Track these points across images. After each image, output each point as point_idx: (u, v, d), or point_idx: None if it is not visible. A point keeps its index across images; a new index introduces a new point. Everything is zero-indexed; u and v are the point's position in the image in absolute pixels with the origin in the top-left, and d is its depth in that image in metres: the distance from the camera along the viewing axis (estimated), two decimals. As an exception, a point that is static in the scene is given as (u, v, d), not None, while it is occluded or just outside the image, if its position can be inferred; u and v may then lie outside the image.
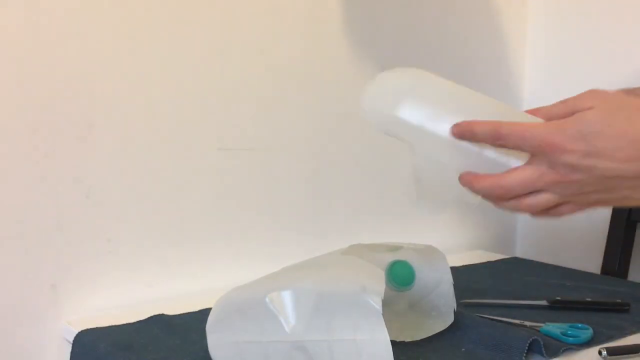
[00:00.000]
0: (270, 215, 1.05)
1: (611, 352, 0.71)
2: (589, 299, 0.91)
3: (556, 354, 0.72)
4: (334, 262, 0.72)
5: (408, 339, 0.76)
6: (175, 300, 0.94)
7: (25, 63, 0.81)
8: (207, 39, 0.96)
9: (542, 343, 0.71)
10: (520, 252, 1.41)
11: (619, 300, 0.90)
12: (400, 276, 0.81)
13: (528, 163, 0.57)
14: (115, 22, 0.87)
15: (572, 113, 0.55)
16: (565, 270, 1.14)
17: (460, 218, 1.32)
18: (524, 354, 0.70)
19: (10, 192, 0.82)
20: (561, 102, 0.58)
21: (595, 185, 0.54)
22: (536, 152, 0.56)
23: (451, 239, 1.30)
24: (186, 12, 0.93)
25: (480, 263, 1.18)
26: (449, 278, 0.80)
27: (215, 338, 0.67)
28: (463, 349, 0.74)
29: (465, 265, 1.15)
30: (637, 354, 0.72)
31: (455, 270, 0.86)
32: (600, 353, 0.72)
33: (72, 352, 0.79)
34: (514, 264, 1.20)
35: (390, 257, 0.82)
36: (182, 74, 0.94)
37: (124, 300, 0.91)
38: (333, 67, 1.09)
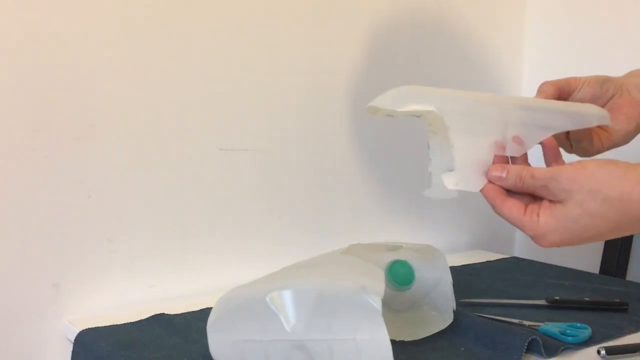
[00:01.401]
0: (270, 215, 1.05)
1: (610, 351, 0.72)
2: (587, 299, 0.91)
3: (555, 354, 0.72)
4: (334, 262, 0.72)
5: (408, 339, 0.76)
6: (176, 299, 0.94)
7: (25, 63, 0.82)
8: (207, 39, 0.96)
9: (541, 342, 0.71)
10: (519, 251, 1.41)
11: (617, 300, 0.90)
12: (400, 276, 0.81)
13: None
14: (116, 23, 0.88)
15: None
16: (564, 270, 1.14)
17: (460, 218, 1.32)
18: (523, 353, 0.70)
19: (11, 192, 0.82)
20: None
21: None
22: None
23: (451, 239, 1.31)
24: (187, 12, 0.93)
25: (480, 263, 1.18)
26: (448, 277, 0.81)
27: (216, 337, 0.67)
28: (462, 348, 0.74)
29: (465, 265, 1.15)
30: (635, 354, 0.73)
31: (454, 269, 0.86)
32: (599, 352, 0.72)
33: (73, 351, 0.79)
34: (513, 263, 1.20)
35: (390, 257, 0.83)
36: (183, 74, 0.94)
37: (125, 299, 0.91)
38: (333, 67, 1.10)
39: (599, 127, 0.75)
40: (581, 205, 0.59)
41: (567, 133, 0.77)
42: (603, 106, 0.75)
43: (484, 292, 0.96)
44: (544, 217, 0.61)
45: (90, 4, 0.85)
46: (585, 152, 0.78)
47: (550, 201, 0.61)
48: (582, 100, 0.75)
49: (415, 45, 1.21)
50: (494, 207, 0.65)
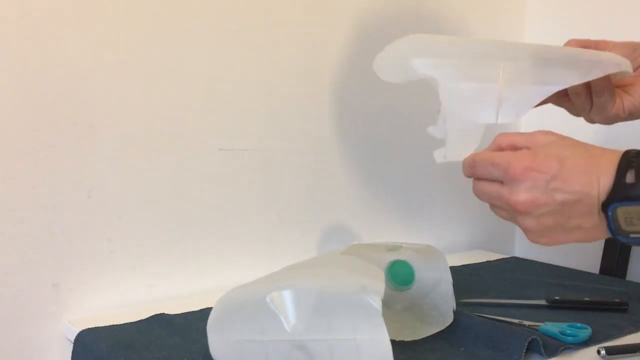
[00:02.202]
0: (270, 215, 1.05)
1: (610, 351, 0.72)
2: (587, 299, 0.91)
3: (555, 353, 0.72)
4: (334, 262, 0.72)
5: (408, 339, 0.76)
6: (176, 299, 0.94)
7: (25, 63, 0.82)
8: (207, 40, 0.96)
9: (541, 342, 0.71)
10: (519, 251, 1.41)
11: (617, 300, 0.90)
12: (400, 276, 0.81)
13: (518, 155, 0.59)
14: (116, 23, 0.88)
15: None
16: (564, 270, 1.15)
17: (460, 218, 1.32)
18: (523, 353, 0.70)
19: (11, 192, 0.82)
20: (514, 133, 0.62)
21: (555, 212, 0.57)
22: (504, 179, 0.59)
23: (451, 239, 1.31)
24: (187, 12, 0.93)
25: (480, 263, 1.19)
26: (448, 278, 0.81)
27: (216, 337, 0.67)
28: (462, 349, 0.74)
29: (465, 265, 1.15)
30: (635, 353, 0.73)
31: (454, 269, 0.86)
32: (598, 352, 0.72)
33: (73, 352, 0.79)
34: (513, 263, 1.20)
35: (390, 257, 0.83)
36: (183, 74, 0.94)
37: (125, 299, 0.91)
38: (334, 67, 1.10)
39: (624, 90, 0.73)
40: (560, 143, 0.58)
41: (589, 85, 0.74)
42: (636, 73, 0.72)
43: (484, 292, 0.96)
44: (520, 151, 0.59)
45: (90, 4, 0.85)
46: (603, 109, 0.75)
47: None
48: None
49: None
50: (470, 159, 0.63)
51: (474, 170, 0.62)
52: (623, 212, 0.53)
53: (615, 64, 0.68)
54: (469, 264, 1.16)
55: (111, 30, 0.87)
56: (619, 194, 0.53)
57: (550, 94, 0.68)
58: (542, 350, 0.71)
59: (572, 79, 0.68)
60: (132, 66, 0.89)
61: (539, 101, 0.68)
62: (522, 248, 1.41)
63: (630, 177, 0.53)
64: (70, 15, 0.84)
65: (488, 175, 0.60)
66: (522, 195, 0.57)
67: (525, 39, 1.39)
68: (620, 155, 0.55)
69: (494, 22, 1.34)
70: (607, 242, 1.20)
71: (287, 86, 1.05)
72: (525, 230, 0.59)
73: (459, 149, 0.66)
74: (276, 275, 0.70)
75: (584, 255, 1.27)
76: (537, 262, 1.21)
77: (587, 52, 0.70)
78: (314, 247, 1.10)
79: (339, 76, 1.10)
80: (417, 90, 1.20)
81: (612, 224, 0.54)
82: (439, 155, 0.67)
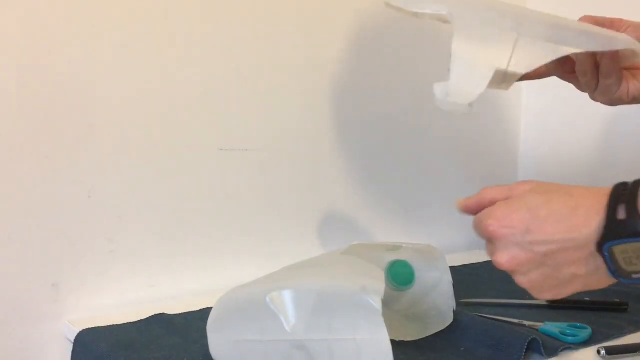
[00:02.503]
0: (270, 215, 1.05)
1: (610, 351, 0.72)
2: (587, 299, 0.91)
3: (555, 353, 0.72)
4: (334, 262, 0.72)
5: (408, 339, 0.76)
6: (176, 299, 0.94)
7: (25, 64, 0.82)
8: (207, 39, 0.96)
9: (541, 342, 0.71)
10: (519, 251, 1.41)
11: (617, 300, 0.90)
12: (400, 276, 0.81)
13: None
14: (115, 23, 0.88)
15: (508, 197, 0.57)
16: (564, 270, 1.14)
17: (460, 218, 1.32)
18: (523, 353, 0.70)
19: (11, 193, 0.82)
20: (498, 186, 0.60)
21: (540, 264, 0.53)
22: (486, 238, 0.57)
23: (451, 239, 1.31)
24: (186, 13, 0.93)
25: (480, 262, 1.18)
26: (448, 277, 0.81)
27: (216, 337, 0.67)
28: (462, 348, 0.74)
29: (465, 265, 1.15)
30: (635, 354, 0.73)
31: (454, 269, 0.86)
32: (598, 352, 0.72)
33: (73, 351, 0.79)
34: (513, 263, 1.20)
35: (390, 257, 0.83)
36: (183, 74, 0.94)
37: (125, 299, 0.91)
38: (334, 67, 1.10)
39: (632, 73, 0.72)
40: (540, 191, 0.55)
41: (597, 66, 0.73)
42: None
43: (484, 292, 0.96)
44: (489, 207, 0.57)
45: (90, 5, 0.85)
46: (608, 92, 0.73)
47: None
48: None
49: (415, 45, 1.21)
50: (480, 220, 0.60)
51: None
52: (620, 251, 0.49)
53: (625, 42, 0.67)
54: (469, 264, 1.16)
55: (111, 31, 0.87)
56: (612, 232, 0.49)
57: (563, 54, 0.65)
58: (542, 350, 0.71)
59: (586, 45, 0.66)
60: (132, 66, 0.89)
61: (551, 59, 0.65)
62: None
63: (622, 213, 0.48)
64: (71, 15, 0.84)
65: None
66: (501, 255, 0.54)
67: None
68: (609, 191, 0.50)
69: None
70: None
71: (287, 86, 1.05)
72: (524, 287, 0.56)
73: (463, 89, 0.63)
74: (276, 275, 0.70)
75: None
76: (537, 262, 1.21)
77: (604, 30, 0.69)
78: (314, 247, 1.10)
79: (339, 76, 1.11)
80: (417, 91, 1.20)
81: (611, 266, 0.51)
82: (440, 91, 0.63)
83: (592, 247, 0.50)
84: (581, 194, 0.52)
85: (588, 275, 0.53)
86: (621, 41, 0.67)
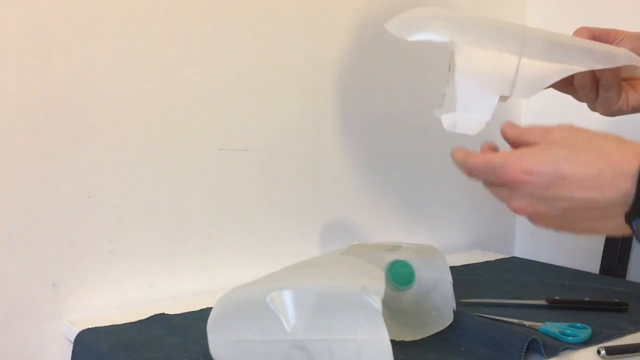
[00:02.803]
0: (270, 215, 1.05)
1: (610, 351, 0.72)
2: (587, 299, 0.91)
3: (555, 353, 0.72)
4: (334, 262, 0.72)
5: (408, 339, 0.76)
6: (176, 299, 0.94)
7: (25, 64, 0.82)
8: (207, 39, 0.96)
9: (541, 342, 0.71)
10: (519, 251, 1.41)
11: (617, 300, 0.90)
12: (400, 276, 0.81)
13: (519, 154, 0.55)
14: (115, 23, 0.88)
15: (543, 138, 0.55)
16: (564, 270, 1.15)
17: (460, 218, 1.32)
18: (523, 353, 0.70)
19: (11, 193, 0.82)
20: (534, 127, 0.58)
21: (558, 217, 0.54)
22: (502, 183, 0.55)
23: (450, 239, 1.31)
24: (186, 13, 0.93)
25: (480, 262, 1.19)
26: (448, 277, 0.81)
27: (216, 337, 0.67)
28: (462, 348, 0.74)
29: (465, 265, 1.15)
30: (635, 354, 0.73)
31: (454, 269, 0.86)
32: (598, 352, 0.72)
33: (73, 351, 0.79)
34: (513, 263, 1.20)
35: (390, 257, 0.83)
36: (183, 74, 0.94)
37: (125, 299, 0.91)
38: (334, 67, 1.10)
39: (630, 84, 0.72)
40: (570, 143, 0.53)
41: (597, 79, 0.73)
42: None
43: (484, 292, 0.96)
44: (521, 149, 0.55)
45: (90, 4, 0.85)
46: (608, 103, 0.73)
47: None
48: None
49: (415, 45, 1.21)
50: (465, 161, 0.57)
51: (471, 176, 0.58)
52: None
53: (625, 58, 0.67)
54: (469, 264, 1.16)
55: (111, 30, 0.87)
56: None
57: (567, 74, 0.65)
58: (542, 350, 0.71)
59: (588, 63, 0.66)
60: (132, 66, 0.89)
61: (554, 80, 0.65)
62: (522, 248, 1.41)
63: None
64: (71, 15, 0.84)
65: (487, 179, 0.57)
66: (520, 202, 0.54)
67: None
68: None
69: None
70: (607, 242, 1.20)
71: (287, 86, 1.05)
72: (536, 226, 0.56)
73: (469, 119, 0.63)
74: (276, 275, 0.70)
75: (584, 255, 1.27)
76: (537, 262, 1.21)
77: (604, 46, 0.69)
78: (314, 247, 1.10)
79: (339, 76, 1.11)
80: (417, 90, 1.20)
81: (639, 236, 0.50)
82: (448, 123, 0.64)
83: (616, 210, 0.50)
84: (611, 153, 0.51)
85: (603, 228, 0.53)
86: (622, 57, 0.67)
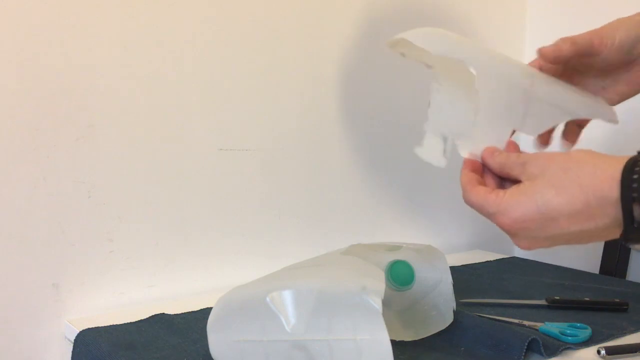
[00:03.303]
0: (270, 215, 1.05)
1: (610, 351, 0.72)
2: (587, 299, 0.91)
3: (555, 353, 0.72)
4: (334, 262, 0.72)
5: (408, 339, 0.76)
6: (176, 299, 0.94)
7: (25, 64, 0.82)
8: (207, 39, 0.96)
9: (541, 342, 0.71)
10: (519, 251, 1.41)
11: (617, 300, 0.90)
12: (400, 276, 0.81)
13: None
14: (115, 23, 0.88)
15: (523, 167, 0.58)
16: (564, 270, 1.15)
17: (460, 218, 1.32)
18: (523, 353, 0.70)
19: (12, 193, 0.82)
20: (516, 155, 0.60)
21: (562, 242, 0.57)
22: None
23: (450, 239, 1.31)
24: (186, 13, 0.93)
25: (480, 263, 1.19)
26: (448, 278, 0.81)
27: (216, 337, 0.67)
28: (462, 348, 0.74)
29: (465, 265, 1.15)
30: (635, 354, 0.73)
31: (454, 269, 0.86)
32: (598, 352, 0.72)
33: (73, 351, 0.79)
34: (513, 263, 1.20)
35: (390, 257, 0.83)
36: (183, 74, 0.94)
37: (125, 299, 0.91)
38: (334, 67, 1.10)
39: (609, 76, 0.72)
40: (550, 180, 0.54)
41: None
42: (628, 66, 0.69)
43: (484, 292, 0.96)
44: (510, 192, 0.57)
45: (90, 4, 0.85)
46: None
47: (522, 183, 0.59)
48: (603, 69, 0.70)
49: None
50: (464, 192, 0.61)
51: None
52: None
53: (604, 114, 0.68)
54: (469, 264, 1.16)
55: (111, 30, 0.87)
56: (633, 237, 0.51)
57: (570, 118, 0.66)
58: (542, 350, 0.71)
59: (583, 112, 0.67)
60: (132, 66, 0.89)
61: (560, 122, 0.66)
62: (522, 248, 1.41)
63: (638, 212, 0.49)
64: (71, 15, 0.84)
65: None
66: (522, 242, 0.57)
67: (525, 38, 1.39)
68: (619, 177, 0.50)
69: (494, 20, 1.34)
70: (607, 242, 1.20)
71: (287, 86, 1.05)
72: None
73: (486, 145, 0.64)
74: (276, 275, 0.70)
75: (584, 255, 1.27)
76: (537, 262, 1.21)
77: (592, 98, 0.69)
78: (314, 247, 1.10)
79: (339, 76, 1.11)
80: (418, 90, 1.20)
81: (632, 248, 0.54)
82: (464, 149, 0.64)
83: (613, 229, 0.52)
84: (590, 182, 0.52)
85: (607, 238, 0.55)
86: (606, 113, 0.68)
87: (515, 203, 0.56)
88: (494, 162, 0.61)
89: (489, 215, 0.58)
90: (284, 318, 0.62)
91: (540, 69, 0.68)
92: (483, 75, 0.64)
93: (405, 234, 1.22)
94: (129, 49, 0.89)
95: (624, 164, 0.51)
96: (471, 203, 0.59)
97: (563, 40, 0.66)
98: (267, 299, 0.63)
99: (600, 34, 0.67)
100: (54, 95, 0.84)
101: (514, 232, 0.57)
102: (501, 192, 0.57)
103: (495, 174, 0.62)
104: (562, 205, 0.53)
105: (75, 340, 0.79)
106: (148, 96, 0.91)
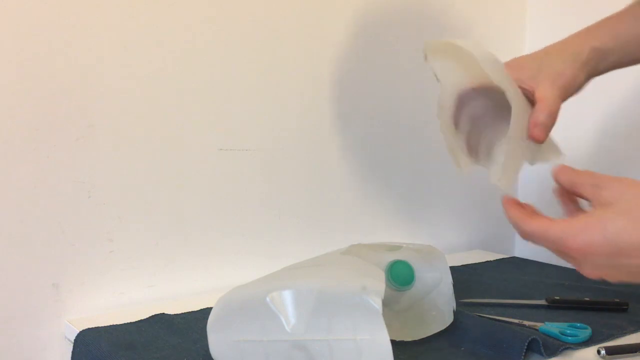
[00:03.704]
0: (270, 215, 1.05)
1: (610, 351, 0.72)
2: (587, 299, 0.91)
3: (555, 353, 0.72)
4: (334, 262, 0.72)
5: (408, 339, 0.76)
6: (176, 299, 0.94)
7: (25, 63, 0.82)
8: (207, 40, 0.96)
9: (541, 342, 0.71)
10: (519, 251, 1.41)
11: (617, 300, 0.90)
12: (400, 276, 0.81)
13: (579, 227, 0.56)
14: (116, 23, 0.88)
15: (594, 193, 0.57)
16: (564, 270, 1.14)
17: (460, 218, 1.32)
18: (523, 353, 0.70)
19: (12, 193, 0.82)
20: (589, 174, 0.59)
21: (629, 275, 0.56)
22: (559, 254, 0.58)
23: (450, 239, 1.31)
24: (187, 13, 0.93)
25: (480, 262, 1.19)
26: (448, 277, 0.81)
27: (216, 337, 0.67)
28: (462, 348, 0.74)
29: (465, 265, 1.15)
30: (635, 354, 0.73)
31: (454, 269, 0.86)
32: (598, 352, 0.72)
33: (73, 351, 0.79)
34: (513, 263, 1.20)
35: (390, 257, 0.83)
36: (183, 74, 0.94)
37: (125, 299, 0.91)
38: (334, 67, 1.10)
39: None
40: (623, 208, 0.53)
41: None
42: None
43: (484, 292, 0.96)
44: (578, 218, 0.55)
45: (91, 4, 0.85)
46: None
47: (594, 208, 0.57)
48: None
49: (415, 46, 1.21)
50: (521, 224, 0.59)
51: (530, 241, 0.60)
52: None
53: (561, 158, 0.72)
54: (469, 264, 1.16)
55: (111, 30, 0.87)
56: None
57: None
58: (542, 350, 0.71)
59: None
60: (132, 66, 0.89)
61: (561, 159, 0.70)
62: (522, 248, 1.41)
63: None
64: (71, 15, 0.84)
65: (546, 247, 0.58)
66: (587, 270, 0.56)
67: (525, 38, 1.39)
68: None
69: (494, 20, 1.34)
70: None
71: (287, 86, 1.05)
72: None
73: (513, 173, 0.67)
74: (276, 275, 0.70)
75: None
76: (537, 262, 1.21)
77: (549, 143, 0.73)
78: (314, 247, 1.10)
79: (339, 76, 1.10)
80: (418, 90, 1.20)
81: None
82: (494, 176, 0.67)
83: None
84: None
85: None
86: (557, 160, 0.71)
87: (584, 227, 0.54)
88: (565, 178, 0.60)
89: (553, 242, 0.56)
90: (284, 318, 0.62)
91: None
92: (517, 107, 0.67)
93: (405, 234, 1.22)
94: (129, 49, 0.89)
95: None
96: (531, 231, 0.58)
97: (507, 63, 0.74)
98: (267, 299, 0.63)
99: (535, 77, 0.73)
100: (54, 95, 0.84)
101: (581, 258, 0.55)
102: (568, 219, 0.56)
103: (565, 190, 0.61)
104: (633, 236, 0.52)
105: (75, 340, 0.79)
106: (148, 96, 0.91)
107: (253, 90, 1.01)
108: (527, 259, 1.24)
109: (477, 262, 1.19)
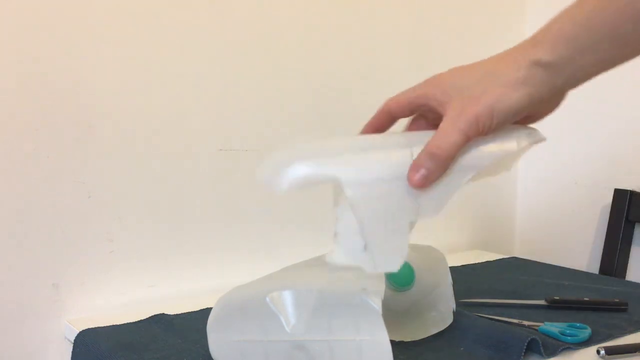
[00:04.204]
0: (270, 215, 1.05)
1: (609, 351, 0.72)
2: (587, 299, 0.91)
3: (554, 353, 0.72)
4: (334, 262, 0.72)
5: (408, 339, 0.76)
6: (176, 299, 0.94)
7: (25, 64, 0.82)
8: (207, 40, 0.96)
9: (540, 342, 0.71)
10: (519, 251, 1.41)
11: (617, 300, 0.90)
12: (399, 276, 0.81)
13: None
14: (115, 23, 0.88)
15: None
16: (564, 270, 1.15)
17: (460, 218, 1.32)
18: (523, 353, 0.70)
19: (12, 193, 0.82)
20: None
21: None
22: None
23: (451, 239, 1.31)
24: (186, 13, 0.93)
25: (479, 263, 1.19)
26: (448, 278, 0.81)
27: (215, 337, 0.67)
28: (462, 349, 0.74)
29: (465, 265, 1.15)
30: (635, 353, 0.73)
31: (454, 270, 0.86)
32: (598, 352, 0.72)
33: (73, 352, 0.79)
34: (513, 263, 1.20)
35: (390, 257, 0.82)
36: (183, 74, 0.94)
37: (125, 299, 0.91)
38: (333, 67, 1.10)
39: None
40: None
41: None
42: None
43: (484, 292, 0.96)
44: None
45: (91, 4, 0.85)
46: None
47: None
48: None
49: (415, 46, 1.21)
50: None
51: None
52: None
53: (527, 135, 0.61)
54: (469, 264, 1.16)
55: (111, 31, 0.87)
56: None
57: (472, 176, 0.57)
58: (542, 350, 0.71)
59: (485, 163, 0.58)
60: (132, 66, 0.89)
61: (459, 188, 0.57)
62: (522, 248, 1.41)
63: None
64: (71, 15, 0.84)
65: None
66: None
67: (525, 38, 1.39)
68: None
69: (494, 20, 1.34)
70: (607, 242, 1.20)
71: (287, 86, 1.05)
72: None
73: (389, 256, 0.56)
74: (276, 275, 0.70)
75: (584, 255, 1.27)
76: (537, 262, 1.21)
77: (492, 139, 0.59)
78: (314, 247, 1.10)
79: (339, 76, 1.11)
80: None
81: None
82: (368, 266, 0.56)
83: None
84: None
85: None
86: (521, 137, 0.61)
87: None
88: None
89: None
90: (284, 318, 0.62)
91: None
92: (358, 201, 0.55)
93: (405, 234, 1.22)
94: (129, 49, 0.89)
95: None
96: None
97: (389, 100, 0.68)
98: (267, 299, 0.63)
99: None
100: (54, 95, 0.84)
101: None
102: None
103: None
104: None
105: (75, 340, 0.79)
106: (148, 97, 0.91)
107: (253, 90, 1.01)
108: (527, 259, 1.24)
109: (477, 262, 1.19)
